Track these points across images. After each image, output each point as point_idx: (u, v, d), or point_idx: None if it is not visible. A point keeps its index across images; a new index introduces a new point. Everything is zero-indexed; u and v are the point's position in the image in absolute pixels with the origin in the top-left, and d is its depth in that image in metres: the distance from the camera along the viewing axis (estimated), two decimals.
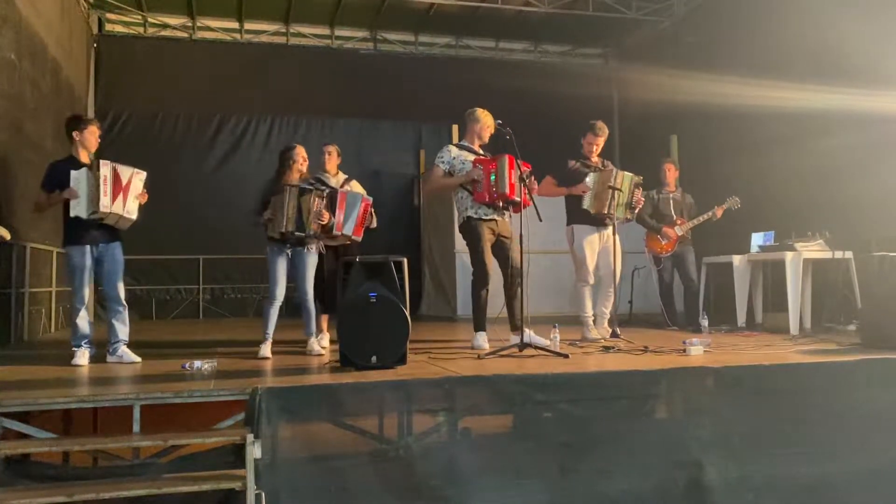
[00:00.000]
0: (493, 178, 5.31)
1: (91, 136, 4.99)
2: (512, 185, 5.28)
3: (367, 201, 5.79)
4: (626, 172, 6.15)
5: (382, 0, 10.47)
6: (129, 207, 4.87)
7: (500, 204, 5.43)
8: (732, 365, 4.37)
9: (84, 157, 4.96)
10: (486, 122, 5.64)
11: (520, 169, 5.30)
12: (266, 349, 5.11)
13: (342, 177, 6.13)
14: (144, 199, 4.98)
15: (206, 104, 10.96)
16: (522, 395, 3.93)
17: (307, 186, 5.34)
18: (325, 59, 11.45)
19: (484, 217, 5.49)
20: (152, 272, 10.41)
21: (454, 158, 5.60)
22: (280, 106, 11.19)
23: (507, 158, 5.29)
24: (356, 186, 6.09)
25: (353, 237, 5.71)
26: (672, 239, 7.18)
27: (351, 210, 5.66)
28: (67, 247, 4.89)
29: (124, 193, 4.84)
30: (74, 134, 4.98)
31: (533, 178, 5.51)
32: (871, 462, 4.12)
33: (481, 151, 5.68)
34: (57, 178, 4.82)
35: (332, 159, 6.10)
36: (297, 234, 5.15)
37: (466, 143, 5.72)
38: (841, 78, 6.96)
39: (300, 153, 5.46)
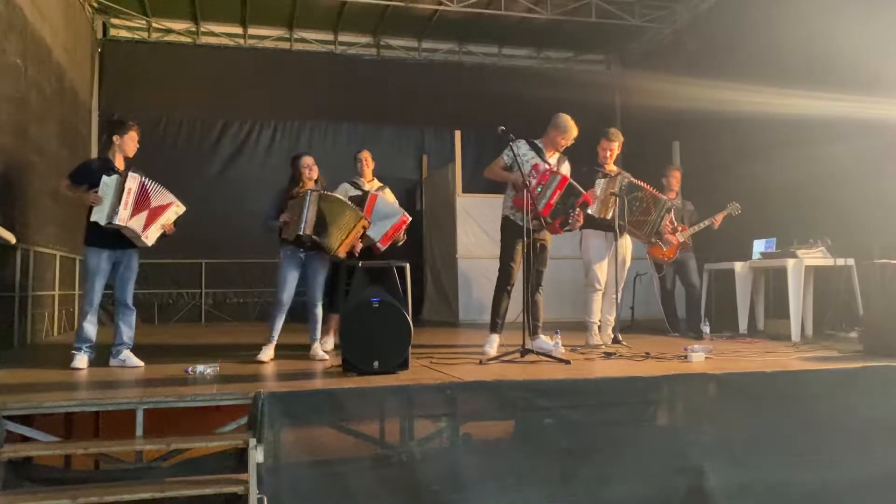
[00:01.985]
0: (539, 189, 5.20)
1: (130, 142, 5.00)
2: (549, 206, 5.18)
3: (405, 218, 5.79)
4: (660, 195, 6.24)
5: (386, 6, 10.50)
6: (150, 234, 4.84)
7: (530, 216, 5.26)
8: (734, 371, 4.38)
9: (119, 162, 4.98)
10: (570, 133, 5.48)
11: (572, 199, 5.18)
12: (268, 352, 5.14)
13: (377, 184, 6.18)
14: (170, 232, 4.97)
15: (210, 109, 10.99)
16: (524, 401, 3.94)
17: (333, 194, 5.35)
18: (328, 65, 11.46)
19: (519, 222, 5.31)
20: (155, 276, 10.41)
21: (519, 155, 5.33)
22: (283, 111, 11.22)
23: (559, 178, 5.20)
24: (389, 195, 6.14)
25: (378, 244, 5.70)
26: (674, 245, 7.18)
27: (383, 218, 5.67)
28: (86, 248, 4.90)
29: (151, 215, 4.81)
30: (115, 137, 5.01)
31: (580, 213, 5.33)
32: (872, 469, 4.12)
33: (551, 160, 5.52)
34: (85, 176, 4.85)
35: (365, 165, 6.17)
36: (314, 238, 5.15)
37: (540, 145, 5.55)
38: (843, 84, 6.98)
39: (307, 162, 5.42)
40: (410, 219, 5.89)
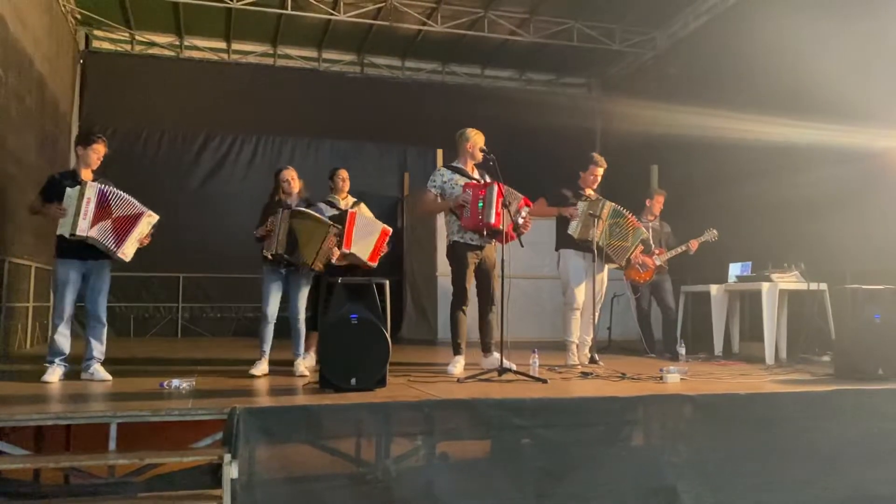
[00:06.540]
0: (480, 205, 5.33)
1: (92, 154, 4.93)
2: (498, 215, 5.29)
3: (386, 230, 5.85)
4: (639, 225, 6.27)
5: (370, 25, 10.58)
6: (126, 249, 4.75)
7: (484, 232, 5.45)
8: (708, 393, 4.41)
9: (86, 174, 4.93)
10: (476, 140, 5.65)
11: (514, 203, 5.36)
12: (261, 367, 5.19)
13: (351, 200, 6.22)
14: (146, 243, 4.90)
15: (192, 123, 10.98)
16: (501, 420, 3.94)
17: (302, 209, 5.37)
18: (311, 82, 11.52)
19: (469, 242, 5.54)
20: (131, 289, 10.32)
21: (445, 182, 5.63)
22: (265, 126, 11.24)
23: (496, 187, 5.30)
24: (365, 210, 6.18)
25: (368, 263, 5.75)
26: (650, 268, 7.26)
27: (367, 235, 5.71)
28: (57, 259, 4.85)
29: (120, 227, 4.72)
30: (78, 149, 4.99)
31: (528, 217, 5.52)
32: (842, 490, 4.17)
33: (475, 174, 5.70)
34: (52, 190, 4.82)
35: (343, 184, 6.21)
36: (286, 256, 5.16)
37: (459, 165, 5.73)
38: (819, 113, 7.12)
39: (285, 176, 5.51)
40: (391, 230, 5.95)
